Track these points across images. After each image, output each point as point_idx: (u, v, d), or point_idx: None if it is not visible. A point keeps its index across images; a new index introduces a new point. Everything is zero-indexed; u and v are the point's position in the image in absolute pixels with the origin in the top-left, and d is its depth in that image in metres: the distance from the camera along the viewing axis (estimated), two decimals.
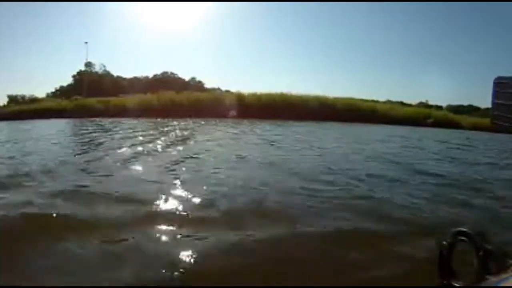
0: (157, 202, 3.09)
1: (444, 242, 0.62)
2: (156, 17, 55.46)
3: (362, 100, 21.48)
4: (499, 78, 0.80)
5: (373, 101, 27.21)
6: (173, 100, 18.02)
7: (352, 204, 3.21)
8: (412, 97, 51.74)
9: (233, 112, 16.31)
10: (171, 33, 51.48)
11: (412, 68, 51.95)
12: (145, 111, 17.36)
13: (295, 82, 52.76)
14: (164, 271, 1.94)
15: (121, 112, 18.21)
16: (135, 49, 52.88)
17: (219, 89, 25.42)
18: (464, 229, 0.60)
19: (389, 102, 30.20)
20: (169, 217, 2.76)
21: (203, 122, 13.96)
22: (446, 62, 50.46)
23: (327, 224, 2.73)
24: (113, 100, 19.97)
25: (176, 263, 2.03)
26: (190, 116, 15.87)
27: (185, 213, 2.85)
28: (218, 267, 2.04)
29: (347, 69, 53.51)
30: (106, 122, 14.58)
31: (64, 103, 24.25)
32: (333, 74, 50.05)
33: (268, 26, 60.33)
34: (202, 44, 56.87)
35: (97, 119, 16.32)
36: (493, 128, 0.82)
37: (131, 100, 19.36)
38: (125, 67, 59.32)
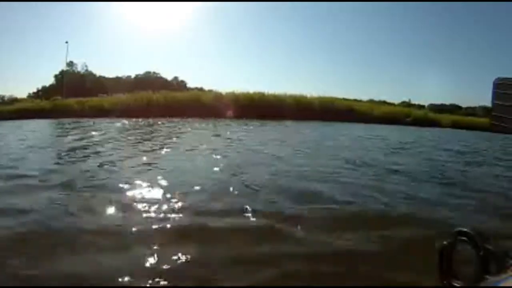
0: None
1: (444, 242, 0.62)
2: (140, 17, 55.11)
3: (340, 99, 21.63)
4: (499, 79, 0.78)
5: (355, 100, 27.42)
6: (150, 100, 17.87)
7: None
8: (396, 97, 52.57)
9: (209, 112, 16.27)
10: (155, 32, 51.44)
11: (397, 68, 52.77)
12: (122, 112, 17.19)
13: (280, 82, 53.15)
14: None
15: (98, 112, 18.02)
16: (118, 48, 52.50)
17: (201, 88, 25.38)
18: (465, 229, 0.59)
19: (372, 101, 30.51)
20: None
21: (168, 123, 13.86)
22: (432, 61, 51.32)
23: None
24: (90, 100, 19.69)
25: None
26: (165, 115, 15.79)
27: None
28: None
29: (330, 69, 54.08)
30: (68, 122, 14.42)
31: (43, 103, 23.90)
32: (318, 73, 50.56)
33: (252, 26, 60.56)
34: (186, 43, 56.84)
35: (69, 120, 16.07)
36: (493, 129, 0.81)
37: (108, 100, 19.14)
38: (108, 67, 58.81)
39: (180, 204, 3.14)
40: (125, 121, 14.67)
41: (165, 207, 3.07)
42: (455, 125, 23.17)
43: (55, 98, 24.99)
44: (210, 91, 24.42)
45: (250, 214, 2.92)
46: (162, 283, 1.90)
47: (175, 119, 15.14)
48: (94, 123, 14.11)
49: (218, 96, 17.90)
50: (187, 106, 16.79)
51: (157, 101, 17.56)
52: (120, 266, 2.04)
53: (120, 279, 1.89)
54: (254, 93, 18.18)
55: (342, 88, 65.98)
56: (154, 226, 2.65)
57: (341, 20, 56.60)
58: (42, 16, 45.60)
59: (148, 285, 1.88)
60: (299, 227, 2.70)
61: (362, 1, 41.83)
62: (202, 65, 51.30)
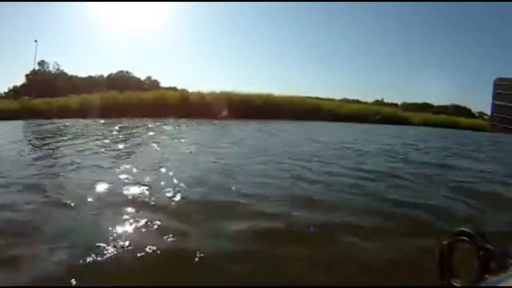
0: None
1: (445, 242, 0.62)
2: (114, 16, 53.95)
3: (308, 98, 22.01)
4: (499, 79, 0.79)
5: (328, 99, 27.90)
6: (116, 100, 17.76)
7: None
8: (371, 96, 53.65)
9: (174, 112, 16.30)
10: (129, 31, 50.51)
11: (372, 67, 53.83)
12: (88, 112, 17.03)
13: (255, 81, 53.41)
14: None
15: (65, 113, 17.79)
16: (92, 48, 51.20)
17: (175, 88, 25.32)
18: (465, 229, 0.60)
19: (345, 100, 31.09)
20: None
21: (127, 123, 13.81)
22: (407, 61, 52.62)
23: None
24: (57, 101, 19.40)
25: None
26: (131, 115, 15.72)
27: None
28: None
29: (305, 68, 54.66)
30: (34, 124, 14.17)
31: (12, 104, 23.31)
32: (293, 73, 51.06)
33: (226, 25, 60.55)
34: (160, 43, 56.19)
35: (36, 121, 15.80)
36: (493, 129, 0.80)
37: (74, 100, 18.91)
38: (80, 66, 57.44)
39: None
40: (84, 121, 14.55)
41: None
42: (425, 123, 24.05)
43: (24, 98, 24.48)
44: (183, 90, 24.49)
45: None
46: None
47: (138, 119, 15.09)
48: (53, 123, 13.95)
49: (184, 95, 17.94)
50: (152, 106, 16.78)
51: (123, 101, 17.46)
52: None
53: None
54: (221, 93, 18.30)
55: (312, 88, 66.76)
56: None
57: (313, 19, 57.30)
58: (14, 15, 44.28)
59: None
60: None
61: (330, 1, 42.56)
62: (176, 65, 51.02)
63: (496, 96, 0.79)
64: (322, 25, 58.17)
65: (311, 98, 22.59)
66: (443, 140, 11.99)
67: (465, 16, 49.87)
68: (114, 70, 33.10)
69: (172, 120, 15.05)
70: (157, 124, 13.27)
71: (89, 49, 50.29)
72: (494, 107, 0.79)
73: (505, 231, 2.58)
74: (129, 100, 17.49)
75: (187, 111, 16.50)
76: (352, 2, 45.76)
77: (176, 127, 12.77)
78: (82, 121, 14.62)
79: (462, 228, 0.60)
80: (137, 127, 12.16)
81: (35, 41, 27.57)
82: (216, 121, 14.95)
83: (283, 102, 18.89)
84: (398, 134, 13.79)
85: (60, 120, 15.23)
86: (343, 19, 57.08)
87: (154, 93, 18.78)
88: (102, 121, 14.89)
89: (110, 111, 16.49)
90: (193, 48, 55.90)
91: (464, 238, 0.59)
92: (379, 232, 2.67)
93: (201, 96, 18.01)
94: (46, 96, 23.46)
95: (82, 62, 51.00)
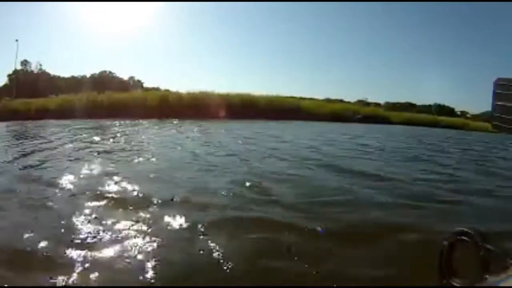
0: None
1: (445, 242, 0.63)
2: (98, 15, 53.42)
3: (288, 97, 22.32)
4: (499, 79, 0.77)
5: (311, 99, 28.25)
6: (95, 100, 17.76)
7: None
8: (355, 96, 54.34)
9: (153, 112, 16.40)
10: (113, 31, 49.96)
11: (356, 66, 54.62)
12: (66, 113, 16.98)
13: (237, 82, 53.72)
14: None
15: (43, 114, 17.70)
16: (75, 47, 50.68)
17: (158, 88, 25.36)
18: (465, 229, 0.60)
19: (328, 100, 31.52)
20: None
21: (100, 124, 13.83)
22: (392, 61, 53.47)
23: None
24: (35, 102, 19.27)
25: None
26: (109, 116, 15.74)
27: None
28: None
29: (288, 68, 55.22)
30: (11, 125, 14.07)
31: None
32: (277, 73, 51.58)
33: (209, 25, 60.72)
34: (144, 43, 55.94)
35: (15, 122, 15.66)
36: (494, 129, 0.81)
37: (53, 101, 18.82)
38: (63, 66, 56.91)
39: None
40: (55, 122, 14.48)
41: None
42: (406, 122, 24.59)
43: (4, 98, 24.22)
44: (167, 90, 24.54)
45: None
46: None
47: (116, 120, 15.12)
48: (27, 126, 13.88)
49: (163, 96, 18.04)
50: (131, 107, 16.84)
51: (101, 101, 17.47)
52: None
53: None
54: (200, 93, 18.46)
55: (294, 88, 67.13)
56: None
57: (296, 18, 57.66)
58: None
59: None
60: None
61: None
62: (159, 65, 51.04)
63: (496, 96, 0.78)
64: (307, 25, 58.70)
65: (293, 98, 22.91)
66: (388, 137, 12.48)
67: (450, 14, 50.88)
68: (97, 70, 33.02)
69: (147, 120, 15.12)
70: (124, 124, 13.37)
71: (72, 49, 49.79)
72: (494, 107, 0.79)
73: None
74: (108, 101, 17.48)
75: (166, 111, 16.62)
76: (340, 2, 46.25)
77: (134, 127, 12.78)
78: (54, 122, 14.56)
79: (462, 228, 0.60)
80: (102, 127, 12.20)
81: (16, 40, 27.21)
82: (180, 121, 14.95)
83: (263, 102, 19.12)
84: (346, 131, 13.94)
85: (33, 122, 15.15)
86: (330, 18, 57.66)
87: (132, 93, 18.80)
88: (68, 122, 14.78)
89: (88, 112, 16.48)
90: (178, 48, 55.82)
91: (464, 238, 0.59)
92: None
93: (179, 96, 18.13)
94: (28, 96, 23.27)
95: (65, 62, 50.44)
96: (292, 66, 54.81)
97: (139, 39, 55.08)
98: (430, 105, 40.96)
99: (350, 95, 53.31)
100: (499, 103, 0.78)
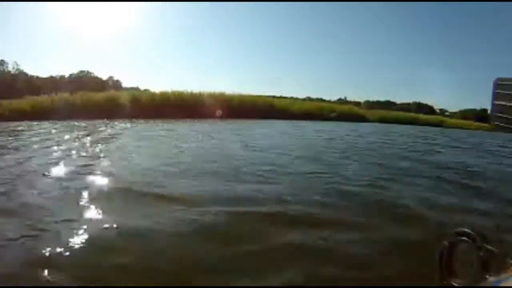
0: None
1: (445, 242, 0.63)
2: (76, 15, 52.96)
3: (262, 96, 22.72)
4: (499, 79, 0.95)
5: (291, 98, 28.67)
6: (68, 101, 17.85)
7: None
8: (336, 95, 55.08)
9: (126, 112, 16.59)
10: (92, 31, 49.59)
11: (338, 66, 55.38)
12: (40, 114, 17.04)
13: (220, 81, 54.10)
14: None
15: (18, 115, 17.69)
16: (54, 47, 50.12)
17: (137, 88, 25.45)
18: (465, 229, 0.60)
19: (309, 99, 32.03)
20: None
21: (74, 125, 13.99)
22: (377, 60, 54.33)
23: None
24: (10, 103, 19.23)
25: None
26: (84, 117, 15.85)
27: None
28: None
29: (268, 68, 55.84)
30: None
31: None
32: (256, 72, 52.14)
33: (189, 26, 60.97)
34: (122, 43, 56.04)
35: None
36: (494, 129, 0.84)
37: (26, 103, 18.82)
38: (42, 66, 56.34)
39: None
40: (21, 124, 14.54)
41: None
42: (383, 120, 25.17)
43: None
44: (146, 90, 24.69)
45: None
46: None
47: (89, 121, 15.25)
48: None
49: (136, 96, 18.21)
50: (103, 107, 16.99)
51: (74, 102, 17.58)
52: None
53: None
54: (172, 92, 18.70)
55: (274, 87, 67.82)
56: None
57: (277, 17, 58.30)
58: None
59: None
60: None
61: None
62: (139, 65, 51.23)
63: (496, 96, 0.87)
64: (291, 24, 59.16)
65: (266, 97, 23.32)
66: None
67: (437, 15, 51.94)
68: (76, 70, 32.82)
69: (120, 120, 15.33)
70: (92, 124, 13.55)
71: (50, 49, 49.23)
72: (494, 106, 0.86)
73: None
74: (81, 101, 17.60)
75: (138, 111, 16.84)
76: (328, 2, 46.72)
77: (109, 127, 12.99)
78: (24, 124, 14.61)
79: (462, 228, 0.60)
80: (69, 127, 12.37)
81: None
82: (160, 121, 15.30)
83: (236, 101, 19.45)
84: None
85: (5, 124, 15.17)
86: (314, 17, 58.22)
87: (105, 93, 18.92)
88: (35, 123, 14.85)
89: (61, 113, 16.57)
90: (157, 48, 55.95)
91: (464, 238, 0.59)
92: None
93: (152, 96, 18.34)
94: (5, 97, 23.11)
95: (44, 62, 49.91)
96: (270, 66, 55.03)
97: (120, 38, 54.84)
98: (409, 103, 41.93)
99: (331, 95, 53.93)
100: (498, 102, 0.87)
